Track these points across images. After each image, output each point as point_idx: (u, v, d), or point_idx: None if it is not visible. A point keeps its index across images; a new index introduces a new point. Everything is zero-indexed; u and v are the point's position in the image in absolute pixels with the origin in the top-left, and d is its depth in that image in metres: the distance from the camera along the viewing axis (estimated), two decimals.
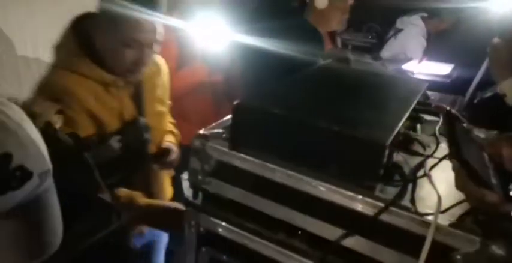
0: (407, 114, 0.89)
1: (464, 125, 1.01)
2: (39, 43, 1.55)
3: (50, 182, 0.65)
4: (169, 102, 1.60)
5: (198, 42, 1.85)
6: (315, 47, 1.70)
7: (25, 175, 0.59)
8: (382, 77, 1.22)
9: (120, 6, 1.17)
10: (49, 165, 0.64)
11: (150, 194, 1.26)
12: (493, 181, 0.64)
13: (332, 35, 2.48)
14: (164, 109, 1.56)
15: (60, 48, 1.28)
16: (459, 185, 0.67)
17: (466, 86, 2.07)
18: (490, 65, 1.60)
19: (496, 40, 1.54)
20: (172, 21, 1.18)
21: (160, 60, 1.48)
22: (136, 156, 1.39)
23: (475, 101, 1.82)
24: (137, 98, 1.39)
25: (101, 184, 1.05)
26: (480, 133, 0.98)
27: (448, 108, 0.85)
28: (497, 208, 0.63)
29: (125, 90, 1.34)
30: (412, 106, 0.95)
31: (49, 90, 1.22)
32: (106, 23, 1.23)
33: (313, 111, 0.85)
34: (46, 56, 1.57)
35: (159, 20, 1.24)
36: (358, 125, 0.79)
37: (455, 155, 0.63)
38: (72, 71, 1.24)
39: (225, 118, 0.97)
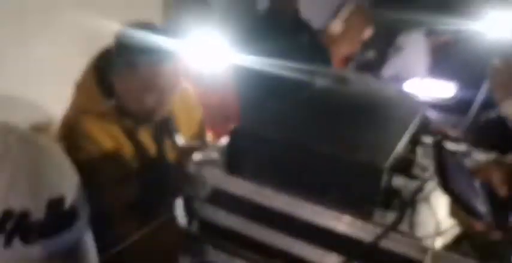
0: (406, 137, 0.88)
1: (462, 147, 1.00)
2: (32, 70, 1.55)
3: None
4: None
5: (193, 62, 1.82)
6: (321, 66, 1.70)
7: (75, 214, 0.55)
8: (381, 98, 1.21)
9: (138, 43, 1.12)
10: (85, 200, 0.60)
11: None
12: (482, 209, 0.63)
13: (347, 60, 2.46)
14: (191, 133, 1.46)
15: (81, 89, 1.26)
16: (452, 213, 0.67)
17: (468, 105, 2.05)
18: (490, 86, 1.59)
19: (496, 61, 1.53)
20: (167, 40, 1.14)
21: (183, 88, 1.37)
22: (156, 200, 1.23)
23: (480, 123, 1.80)
24: (158, 137, 1.33)
25: None
26: (480, 155, 0.97)
27: (439, 137, 0.85)
28: (487, 236, 0.62)
29: (145, 131, 1.31)
30: (412, 129, 0.93)
31: (72, 136, 1.19)
32: (125, 68, 1.19)
33: (310, 136, 0.84)
34: (39, 78, 1.56)
35: (178, 60, 1.19)
36: (356, 148, 0.78)
37: (442, 185, 0.63)
38: (92, 114, 1.22)
39: (220, 142, 0.96)
